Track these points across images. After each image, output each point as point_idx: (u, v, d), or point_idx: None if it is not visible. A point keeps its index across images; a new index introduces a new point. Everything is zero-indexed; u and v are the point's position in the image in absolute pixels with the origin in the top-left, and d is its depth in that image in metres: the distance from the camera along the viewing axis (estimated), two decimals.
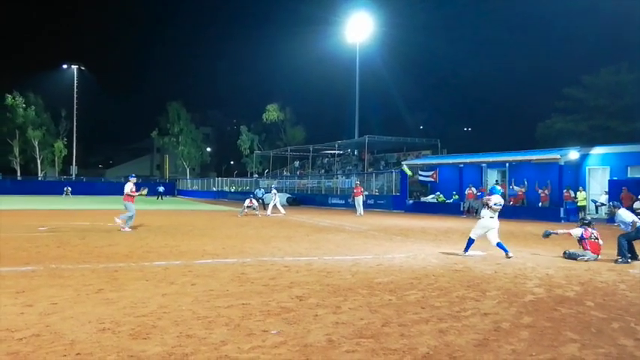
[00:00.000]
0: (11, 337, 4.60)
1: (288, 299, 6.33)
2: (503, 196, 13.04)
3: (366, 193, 29.34)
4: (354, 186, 29.46)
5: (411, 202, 31.23)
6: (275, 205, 25.35)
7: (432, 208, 29.16)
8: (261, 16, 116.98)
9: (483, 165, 28.43)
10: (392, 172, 35.62)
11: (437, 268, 9.00)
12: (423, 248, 12.04)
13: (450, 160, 32.09)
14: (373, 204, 33.29)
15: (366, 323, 5.32)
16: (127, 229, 14.92)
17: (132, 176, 16.23)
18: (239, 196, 37.26)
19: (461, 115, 75.07)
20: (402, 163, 34.48)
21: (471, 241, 10.79)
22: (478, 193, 24.22)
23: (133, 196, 15.41)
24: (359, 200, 26.28)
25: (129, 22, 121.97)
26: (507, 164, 26.90)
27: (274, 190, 26.59)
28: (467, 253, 10.67)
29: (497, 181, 27.12)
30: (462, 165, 29.85)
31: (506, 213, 24.43)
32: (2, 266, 8.41)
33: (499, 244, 10.56)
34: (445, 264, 9.54)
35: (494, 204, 10.61)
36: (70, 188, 49.07)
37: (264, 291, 6.81)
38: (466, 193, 26.63)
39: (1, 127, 61.31)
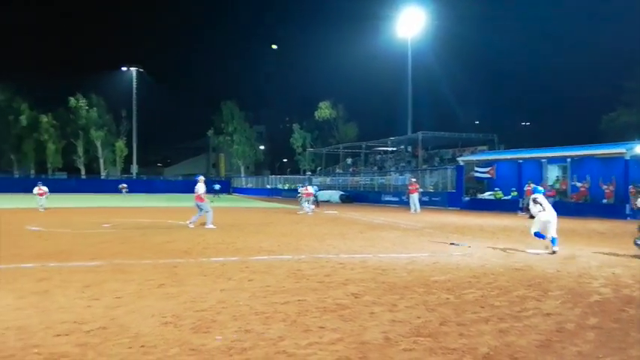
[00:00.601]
0: (80, 329, 4.82)
1: (343, 296, 6.33)
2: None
3: (421, 190, 28.85)
4: (408, 183, 29.06)
5: (467, 199, 30.58)
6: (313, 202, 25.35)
7: (489, 206, 28.43)
8: (311, 14, 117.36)
9: (543, 160, 27.47)
10: (447, 168, 34.97)
11: (496, 267, 8.77)
12: (481, 246, 11.76)
13: (508, 156, 31.17)
14: (428, 201, 32.80)
15: (424, 322, 5.25)
16: (210, 225, 15.32)
17: (198, 176, 16.47)
18: (292, 194, 37.55)
19: (518, 109, 72.68)
20: (458, 159, 33.84)
21: (538, 236, 10.59)
22: (540, 189, 23.39)
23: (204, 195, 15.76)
24: (414, 197, 25.93)
25: (183, 24, 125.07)
26: (569, 159, 25.89)
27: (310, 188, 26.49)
28: (529, 251, 10.41)
29: (530, 181, 26.13)
30: (520, 161, 28.94)
31: (569, 210, 23.70)
32: (70, 261, 8.82)
33: (552, 240, 10.38)
34: (504, 262, 9.28)
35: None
36: (125, 185, 50.70)
37: (320, 288, 6.83)
38: (525, 189, 25.77)
39: (66, 127, 64.24)
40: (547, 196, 12.22)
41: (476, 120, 69.36)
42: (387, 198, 36.89)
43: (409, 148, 48.47)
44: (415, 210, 25.41)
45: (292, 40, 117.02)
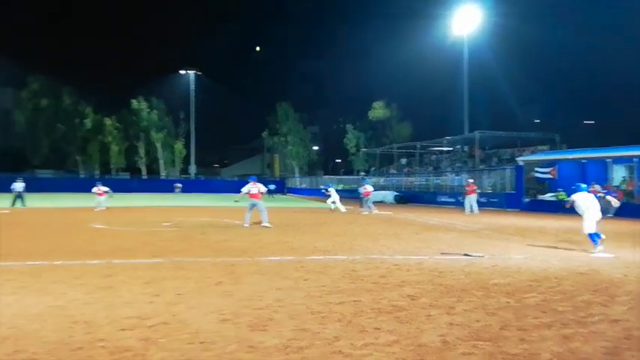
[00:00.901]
0: (143, 324, 4.99)
1: (399, 298, 6.27)
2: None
3: (479, 191, 28.10)
4: (465, 184, 28.39)
5: (527, 200, 29.65)
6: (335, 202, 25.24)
7: (551, 207, 27.43)
8: (366, 14, 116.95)
9: (608, 160, 26.26)
10: (505, 168, 34.01)
11: (559, 271, 8.45)
12: (543, 249, 11.37)
13: (571, 156, 30.00)
14: (485, 202, 32.00)
15: (483, 325, 5.12)
16: (267, 224, 15.60)
17: (252, 178, 16.75)
18: (345, 194, 37.53)
19: (581, 107, 69.75)
20: (517, 159, 32.87)
21: (593, 236, 10.20)
22: (604, 191, 22.40)
23: (259, 194, 16.07)
24: (470, 199, 25.26)
25: (240, 27, 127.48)
26: (636, 159, 24.64)
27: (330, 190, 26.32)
28: (597, 250, 10.04)
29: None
30: (584, 160, 27.82)
31: (636, 212, 22.54)
32: (133, 258, 9.15)
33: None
34: (568, 266, 8.93)
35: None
36: (180, 185, 51.96)
37: (375, 289, 6.79)
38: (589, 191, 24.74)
39: (128, 129, 66.84)
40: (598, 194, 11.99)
41: (536, 119, 67.06)
42: (443, 199, 36.26)
43: (465, 148, 47.48)
44: (471, 211, 24.80)
45: (346, 40, 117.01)
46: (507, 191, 32.03)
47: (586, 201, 10.61)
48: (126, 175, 68.14)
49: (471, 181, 27.53)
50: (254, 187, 16.07)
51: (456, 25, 45.63)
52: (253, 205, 16.05)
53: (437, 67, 60.18)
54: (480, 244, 12.14)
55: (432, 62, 58.87)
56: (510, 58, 61.17)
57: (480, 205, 29.85)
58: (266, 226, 15.39)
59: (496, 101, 61.28)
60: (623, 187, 25.48)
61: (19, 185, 25.57)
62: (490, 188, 34.43)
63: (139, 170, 68.61)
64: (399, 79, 77.50)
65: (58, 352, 4.14)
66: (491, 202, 31.67)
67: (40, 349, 4.21)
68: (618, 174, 26.33)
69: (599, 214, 10.55)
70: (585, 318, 5.47)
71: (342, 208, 24.84)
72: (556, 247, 11.61)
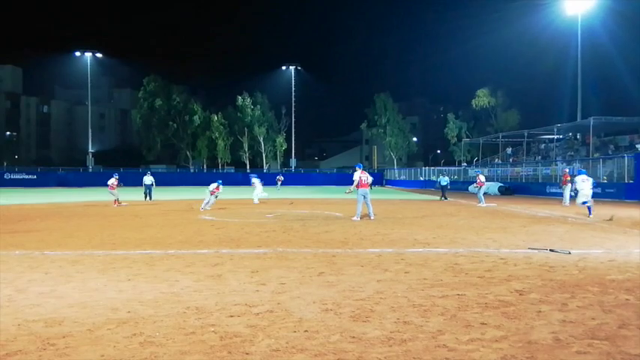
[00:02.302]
0: (250, 311, 5.20)
1: (506, 293, 6.02)
2: None
3: (594, 180, 26.39)
4: (562, 173, 27.19)
5: None
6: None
7: None
8: None
9: None
10: (624, 156, 31.44)
11: None
12: None
13: None
14: (600, 193, 29.79)
15: (599, 323, 4.79)
16: (373, 216, 15.63)
17: (359, 165, 16.52)
18: (450, 187, 36.52)
19: None
20: (638, 146, 30.28)
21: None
22: None
23: (367, 184, 15.91)
24: (566, 189, 24.03)
25: (338, 22, 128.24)
26: None
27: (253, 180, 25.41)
28: None
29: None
30: None
31: None
32: (240, 248, 9.57)
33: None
34: None
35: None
36: (282, 177, 53.20)
37: (480, 283, 6.57)
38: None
39: (233, 125, 69.82)
40: None
41: None
42: (553, 190, 34.20)
43: (578, 136, 44.52)
44: (565, 202, 23.51)
45: (448, 25, 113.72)
46: (626, 181, 29.61)
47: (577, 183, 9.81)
48: (231, 169, 71.29)
49: (567, 170, 26.34)
50: (363, 175, 15.70)
51: (568, 4, 42.75)
52: (364, 196, 15.73)
53: (545, 51, 56.95)
54: (594, 238, 11.34)
55: (541, 45, 55.88)
56: (628, 38, 56.26)
57: (595, 195, 27.82)
58: (372, 219, 15.35)
59: (612, 85, 56.80)
60: None
61: (148, 179, 27.48)
62: (606, 178, 32.02)
63: (244, 164, 71.50)
64: (505, 64, 74.45)
65: (173, 336, 4.43)
66: (607, 192, 29.44)
67: (156, 332, 4.53)
68: None
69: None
70: None
71: (260, 196, 24.41)
72: None
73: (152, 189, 27.35)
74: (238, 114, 69.95)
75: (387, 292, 6.04)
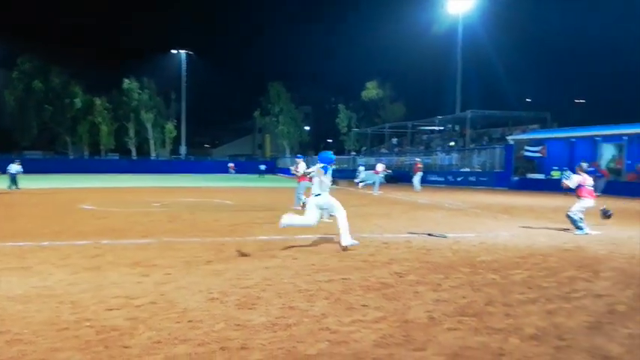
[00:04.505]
0: (130, 304, 4.99)
1: (387, 275, 6.32)
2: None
3: (468, 169, 28.58)
4: (414, 163, 29.71)
5: (516, 178, 29.84)
6: None
7: (539, 185, 27.66)
8: None
9: (598, 139, 26.45)
10: (495, 147, 34.14)
11: (544, 247, 8.54)
12: (530, 226, 11.48)
13: (560, 135, 30.18)
14: (475, 181, 32.21)
15: (469, 302, 5.18)
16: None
17: (298, 156, 16.05)
18: (335, 174, 37.55)
19: (572, 86, 69.82)
20: (508, 138, 32.98)
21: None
22: (590, 169, 22.59)
23: (299, 175, 14.80)
24: (418, 177, 26.29)
25: (231, 6, 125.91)
26: (625, 137, 24.82)
27: None
28: (584, 232, 10.05)
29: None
30: (573, 139, 27.98)
31: (624, 190, 22.74)
32: (122, 239, 9.13)
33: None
34: (554, 243, 9.03)
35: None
36: (234, 165, 51.66)
37: (364, 267, 6.83)
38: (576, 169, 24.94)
39: (118, 110, 66.15)
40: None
41: (527, 98, 67.12)
42: (433, 178, 36.36)
43: (457, 127, 47.53)
44: (415, 188, 25.77)
45: (339, 19, 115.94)
46: (497, 170, 32.21)
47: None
48: (115, 156, 67.67)
49: (418, 160, 29.24)
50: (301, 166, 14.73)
51: (451, 3, 45.29)
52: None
53: (431, 47, 59.77)
54: (467, 223, 12.23)
55: (426, 41, 58.46)
56: (504, 37, 60.91)
57: (470, 183, 30.22)
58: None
59: (489, 80, 61.28)
60: (612, 165, 25.68)
61: (14, 167, 25.19)
62: (479, 167, 34.60)
63: (129, 151, 68.13)
64: (393, 58, 77.23)
65: (43, 333, 4.13)
66: (480, 180, 31.88)
67: (24, 329, 4.20)
68: (608, 152, 26.52)
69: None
70: (569, 293, 5.54)
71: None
72: (543, 225, 11.71)
73: (17, 178, 25.05)
74: (124, 98, 66.27)
75: (275, 278, 6.09)
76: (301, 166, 14.69)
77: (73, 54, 75.58)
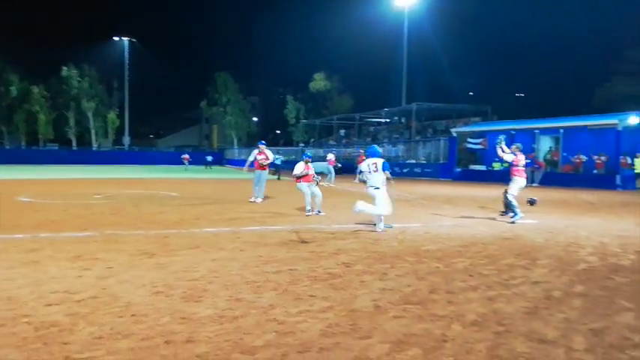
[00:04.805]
0: (70, 298, 4.82)
1: (334, 265, 6.37)
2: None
3: (413, 161, 29.11)
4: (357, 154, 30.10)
5: (459, 170, 30.69)
6: None
7: (481, 176, 28.58)
8: None
9: (536, 131, 27.54)
10: (440, 139, 34.97)
11: (486, 236, 8.85)
12: (472, 216, 11.85)
13: (501, 127, 31.09)
14: (420, 172, 32.91)
15: (413, 290, 5.31)
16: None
17: (261, 142, 15.77)
18: (284, 166, 37.45)
19: (513, 80, 72.31)
20: (451, 130, 33.82)
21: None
22: (527, 161, 23.58)
23: (256, 164, 15.15)
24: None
25: None
26: (561, 130, 25.95)
27: None
28: (518, 220, 10.47)
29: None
30: (513, 132, 28.94)
31: (560, 181, 23.83)
32: (62, 232, 8.80)
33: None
34: (494, 232, 9.36)
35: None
36: (187, 156, 50.14)
37: (311, 257, 6.87)
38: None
39: (57, 98, 63.46)
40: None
41: (470, 91, 69.06)
42: None
43: (403, 120, 48.34)
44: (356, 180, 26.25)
45: (288, 10, 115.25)
46: (441, 161, 33.02)
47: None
48: (54, 146, 65.00)
49: (362, 151, 29.28)
50: (260, 156, 14.94)
51: None
52: (258, 178, 14.93)
53: (378, 40, 60.52)
54: (413, 213, 12.49)
55: (374, 34, 59.24)
56: (448, 31, 62.37)
57: (415, 175, 30.88)
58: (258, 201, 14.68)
59: (434, 73, 62.62)
60: (549, 157, 26.81)
61: None
62: (425, 159, 35.37)
63: (69, 141, 65.60)
64: (341, 51, 77.59)
65: None
66: (425, 172, 32.60)
67: None
68: (545, 144, 27.65)
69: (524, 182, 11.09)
70: (508, 280, 5.76)
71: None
72: (484, 215, 12.11)
73: None
74: (63, 86, 63.57)
75: (222, 270, 6.03)
76: (270, 155, 14.82)
77: (8, 40, 71.68)
